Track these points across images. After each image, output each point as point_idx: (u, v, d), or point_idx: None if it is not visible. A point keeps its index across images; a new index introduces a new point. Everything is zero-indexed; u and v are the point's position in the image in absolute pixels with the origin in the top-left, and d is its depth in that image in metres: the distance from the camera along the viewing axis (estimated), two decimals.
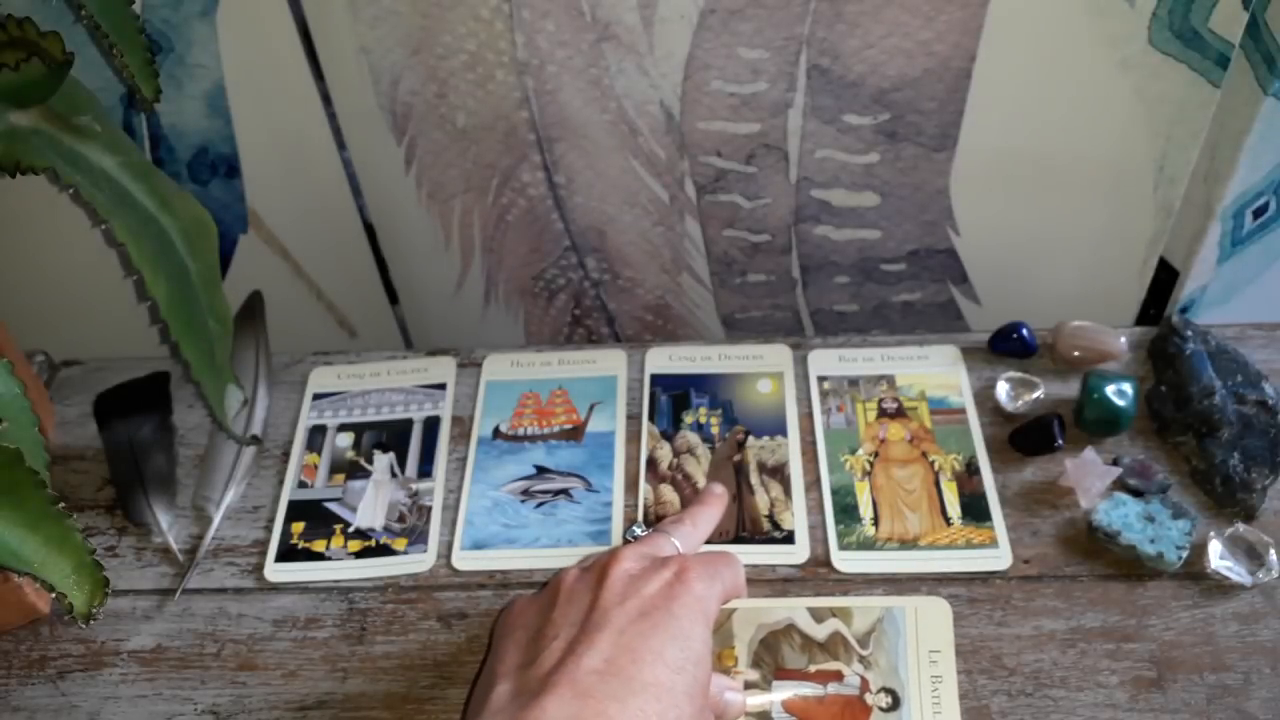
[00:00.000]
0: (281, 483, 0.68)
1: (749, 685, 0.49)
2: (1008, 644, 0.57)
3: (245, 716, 0.57)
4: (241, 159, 0.77)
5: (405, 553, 0.64)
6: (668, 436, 0.68)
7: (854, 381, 0.70)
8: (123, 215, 0.54)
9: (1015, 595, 0.59)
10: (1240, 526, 0.60)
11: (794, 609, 0.49)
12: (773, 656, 0.49)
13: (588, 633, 0.45)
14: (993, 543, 0.61)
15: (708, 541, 0.59)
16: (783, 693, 0.49)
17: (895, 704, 0.47)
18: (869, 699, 0.48)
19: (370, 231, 0.84)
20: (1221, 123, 0.70)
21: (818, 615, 0.49)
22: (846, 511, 0.64)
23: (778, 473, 0.66)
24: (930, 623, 0.48)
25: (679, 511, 0.60)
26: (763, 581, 0.61)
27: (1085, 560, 0.60)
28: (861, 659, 0.48)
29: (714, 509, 0.59)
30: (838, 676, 0.48)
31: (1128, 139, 0.72)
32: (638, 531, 0.54)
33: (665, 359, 0.73)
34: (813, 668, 0.49)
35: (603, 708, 0.42)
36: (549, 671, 0.44)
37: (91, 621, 0.49)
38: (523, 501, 0.66)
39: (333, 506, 0.67)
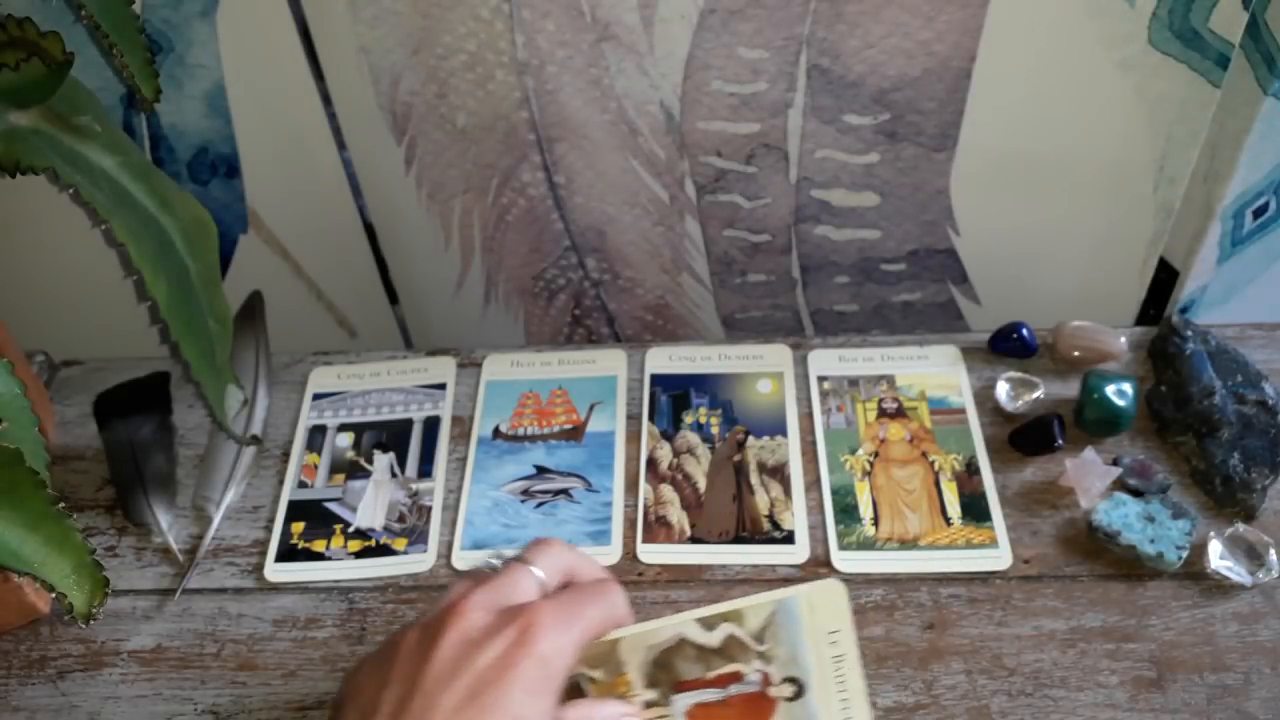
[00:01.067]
0: (281, 483, 0.68)
1: (649, 705, 0.48)
2: (1008, 644, 0.57)
3: (245, 716, 0.57)
4: (241, 159, 0.77)
5: (405, 553, 0.64)
6: (668, 436, 0.68)
7: (854, 381, 0.70)
8: (123, 215, 0.54)
9: (1015, 595, 0.59)
10: (1240, 526, 0.60)
11: (682, 624, 0.48)
12: (668, 673, 0.48)
13: None
14: (993, 543, 0.61)
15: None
16: (683, 703, 0.47)
17: (800, 691, 0.47)
18: (772, 692, 0.47)
19: (370, 231, 0.84)
20: (1221, 123, 0.70)
21: (708, 624, 0.48)
22: (846, 511, 0.64)
23: (778, 473, 0.66)
24: (825, 605, 0.48)
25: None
26: (762, 581, 0.61)
27: (1085, 560, 0.60)
28: (760, 655, 0.47)
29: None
30: (737, 677, 0.47)
31: (1128, 139, 0.72)
32: (495, 563, 0.49)
33: (665, 359, 0.73)
34: (711, 674, 0.48)
35: None
36: None
37: (91, 621, 0.49)
38: (523, 501, 0.66)
39: (333, 506, 0.67)
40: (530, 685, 0.42)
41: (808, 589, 0.48)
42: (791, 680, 0.47)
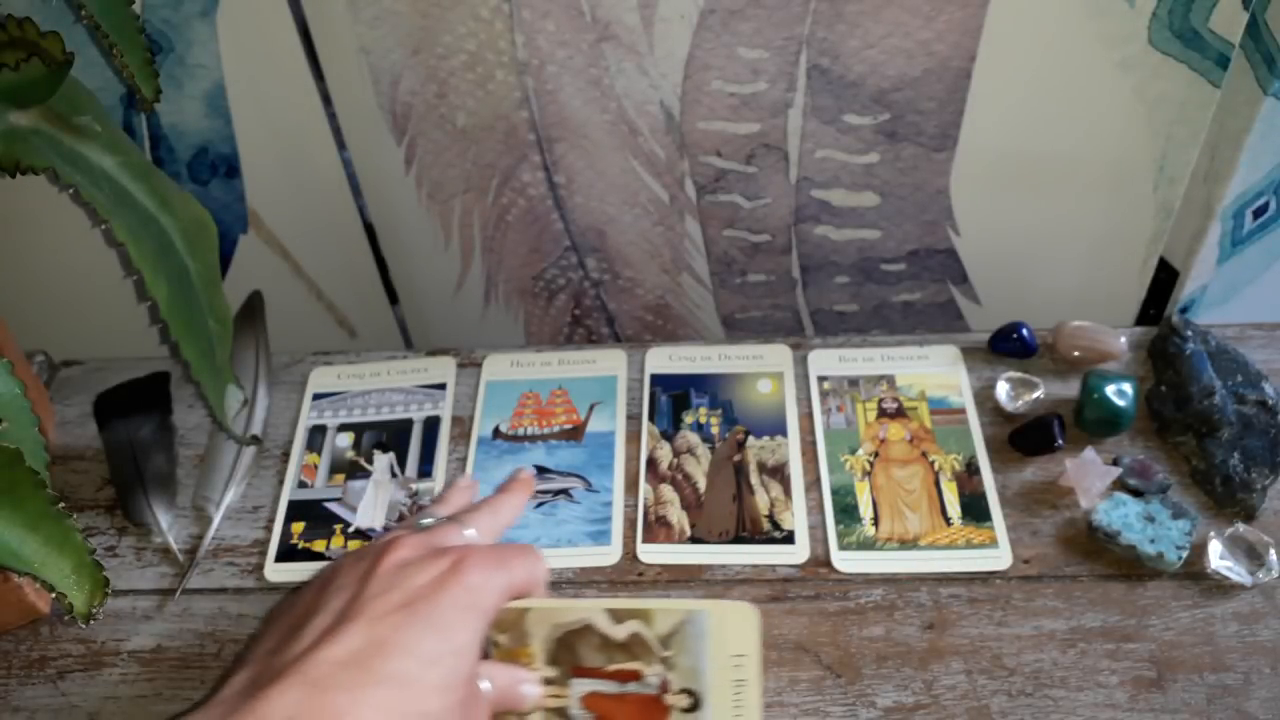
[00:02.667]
0: (281, 483, 0.68)
1: (546, 681, 0.48)
2: (1008, 644, 0.57)
3: None
4: (241, 159, 0.77)
5: None
6: (668, 436, 0.68)
7: (854, 381, 0.70)
8: (123, 215, 0.54)
9: (1015, 595, 0.59)
10: (1240, 526, 0.60)
11: (592, 610, 0.49)
12: (570, 655, 0.48)
13: (341, 623, 0.43)
14: (993, 543, 0.61)
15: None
16: (580, 688, 0.48)
17: (695, 705, 0.47)
18: (668, 699, 0.47)
19: (370, 231, 0.84)
20: (1221, 123, 0.70)
21: (617, 616, 0.48)
22: (846, 511, 0.64)
23: (778, 473, 0.66)
24: (735, 627, 0.48)
25: (482, 500, 0.56)
26: (763, 581, 0.61)
27: (1085, 560, 0.60)
28: (662, 660, 0.48)
29: (518, 496, 0.56)
30: (636, 676, 0.48)
31: (1128, 139, 0.72)
32: (427, 522, 0.51)
33: (665, 359, 0.73)
34: (611, 667, 0.48)
35: (330, 699, 0.40)
36: (290, 661, 0.42)
37: (91, 621, 0.49)
38: None
39: (333, 506, 0.67)
40: (460, 605, 0.44)
41: (720, 607, 0.48)
42: (689, 692, 0.47)
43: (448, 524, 0.51)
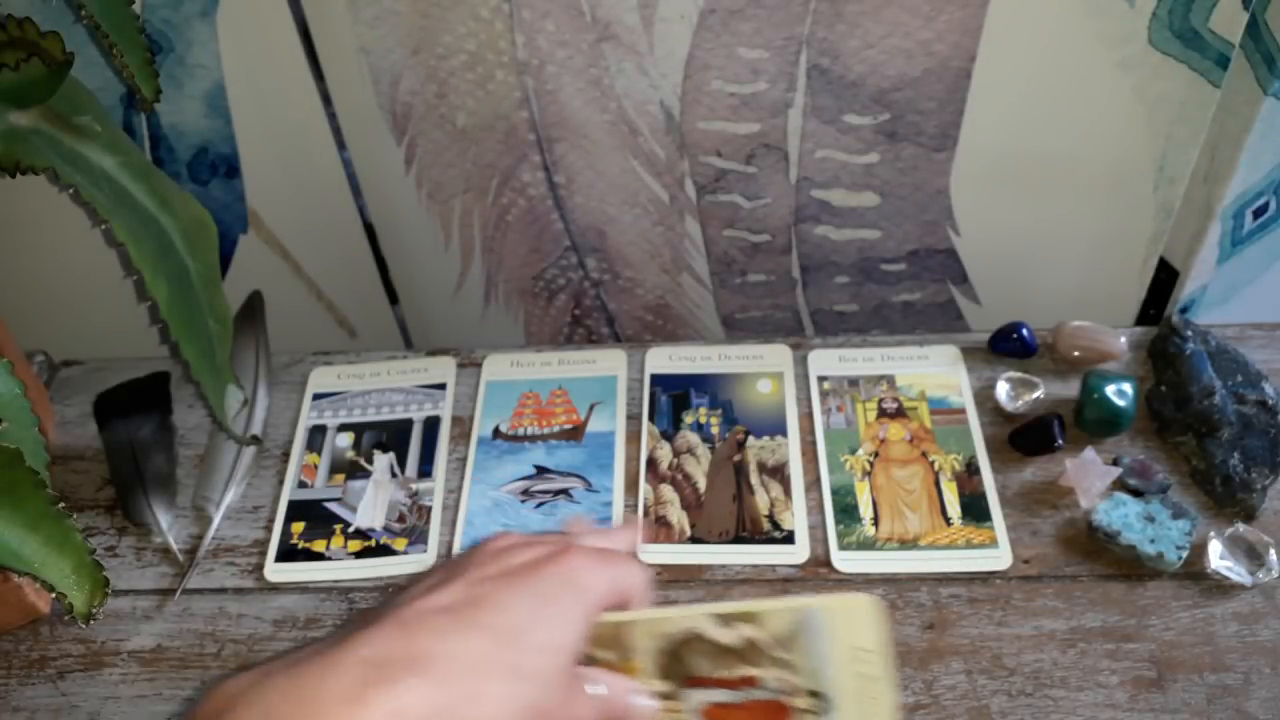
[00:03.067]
0: (281, 483, 0.68)
1: (660, 696, 0.47)
2: (1008, 644, 0.57)
3: None
4: (241, 159, 0.77)
5: (405, 553, 0.64)
6: (668, 436, 0.68)
7: (854, 381, 0.70)
8: (123, 215, 0.54)
9: (1015, 595, 0.59)
10: (1240, 526, 0.60)
11: (696, 617, 0.46)
12: (680, 666, 0.46)
13: (439, 585, 0.43)
14: (993, 543, 0.61)
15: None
16: (697, 699, 0.46)
17: (822, 707, 0.45)
18: (792, 702, 0.46)
19: (370, 231, 0.84)
20: (1221, 123, 0.70)
21: (724, 621, 0.46)
22: (846, 511, 0.64)
23: (778, 473, 0.66)
24: (855, 620, 0.45)
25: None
26: (762, 581, 0.61)
27: (1085, 560, 0.60)
28: (779, 662, 0.46)
29: (630, 530, 0.54)
30: (753, 681, 0.46)
31: (1128, 139, 0.72)
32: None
33: (665, 359, 0.73)
34: (726, 674, 0.46)
35: (419, 639, 0.39)
36: (381, 615, 0.41)
37: (91, 621, 0.49)
38: (523, 501, 0.66)
39: (333, 506, 0.67)
40: (562, 579, 0.43)
41: (834, 601, 0.46)
42: (814, 694, 0.46)
43: (557, 536, 0.50)
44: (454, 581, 0.42)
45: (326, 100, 0.75)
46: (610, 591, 0.45)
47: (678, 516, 0.64)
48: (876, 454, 0.66)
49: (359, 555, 0.64)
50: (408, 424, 0.71)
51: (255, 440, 0.69)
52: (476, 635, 0.40)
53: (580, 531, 0.52)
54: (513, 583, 0.42)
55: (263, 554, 0.64)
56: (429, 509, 0.66)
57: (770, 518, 0.64)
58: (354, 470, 0.68)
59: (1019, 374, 0.69)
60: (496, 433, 0.70)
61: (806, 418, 0.69)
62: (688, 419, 0.69)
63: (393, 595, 0.46)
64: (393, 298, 0.89)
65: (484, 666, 0.39)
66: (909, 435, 0.67)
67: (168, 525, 0.66)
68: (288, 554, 0.64)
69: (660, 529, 0.64)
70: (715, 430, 0.68)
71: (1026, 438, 0.66)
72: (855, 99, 0.71)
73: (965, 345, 0.72)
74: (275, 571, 0.63)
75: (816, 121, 0.73)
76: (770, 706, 0.46)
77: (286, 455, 0.70)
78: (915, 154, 0.74)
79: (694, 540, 0.63)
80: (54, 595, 0.48)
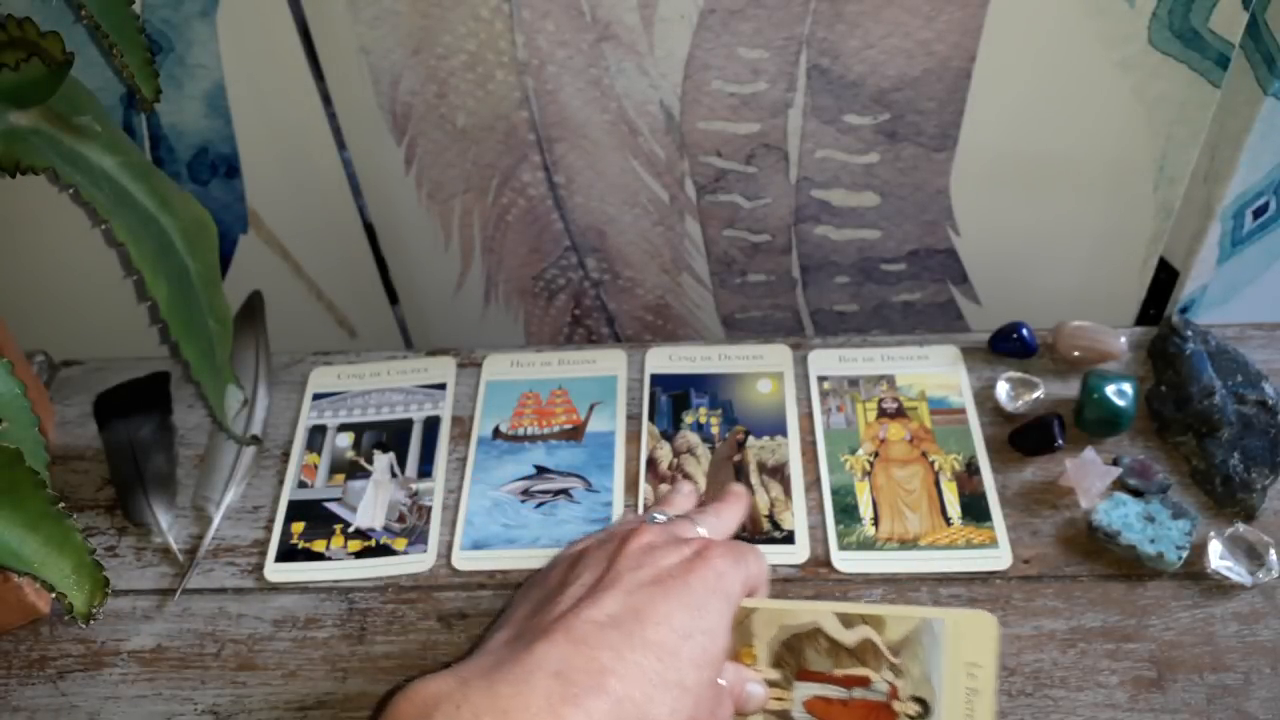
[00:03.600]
0: (281, 483, 0.68)
1: (769, 683, 0.48)
2: (1008, 644, 0.57)
3: (245, 716, 0.57)
4: (241, 159, 0.77)
5: (405, 553, 0.64)
6: (668, 436, 0.68)
7: (854, 381, 0.70)
8: (123, 215, 0.54)
9: (1015, 595, 0.59)
10: (1240, 526, 0.60)
11: (821, 614, 0.48)
12: (795, 658, 0.48)
13: (596, 591, 0.45)
14: (993, 543, 0.61)
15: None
16: (804, 692, 0.48)
17: (924, 714, 0.46)
18: (896, 706, 0.46)
19: (370, 231, 0.84)
20: (1221, 123, 0.70)
21: (847, 621, 0.47)
22: (846, 511, 0.64)
23: (778, 473, 0.66)
24: (973, 635, 0.46)
25: (707, 505, 0.57)
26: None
27: (1085, 560, 0.60)
28: (892, 666, 0.47)
29: (739, 505, 0.57)
30: (864, 682, 0.47)
31: (1128, 139, 0.72)
32: (659, 518, 0.53)
33: (665, 359, 0.73)
34: (838, 671, 0.47)
35: (596, 654, 0.42)
36: (551, 620, 0.43)
37: (91, 621, 0.49)
38: (523, 501, 0.66)
39: (333, 506, 0.67)
40: (709, 587, 0.46)
41: (958, 615, 0.47)
42: (918, 700, 0.46)
43: (681, 520, 0.52)
44: (611, 589, 0.45)
45: (326, 100, 0.75)
46: (745, 588, 0.48)
47: None
48: (876, 454, 0.66)
49: (359, 555, 0.64)
50: (408, 424, 0.71)
51: (255, 440, 0.69)
52: (643, 652, 0.42)
53: (696, 514, 0.53)
54: (669, 593, 0.45)
55: (263, 554, 0.64)
56: (429, 509, 0.66)
57: (770, 518, 0.64)
58: (354, 470, 0.68)
59: (1019, 374, 0.69)
60: (496, 433, 0.70)
61: (806, 418, 0.69)
62: (688, 419, 0.69)
63: (541, 590, 0.47)
64: (393, 298, 0.89)
65: (653, 683, 0.42)
66: (909, 435, 0.67)
67: (168, 525, 0.66)
68: (288, 554, 0.64)
69: None
70: (715, 430, 0.68)
71: (1026, 438, 0.66)
72: (855, 99, 0.71)
73: (965, 345, 0.72)
74: (275, 571, 0.63)
75: (816, 121, 0.73)
76: (874, 707, 0.47)
77: (286, 455, 0.70)
78: (915, 154, 0.74)
79: None
80: (54, 595, 0.48)
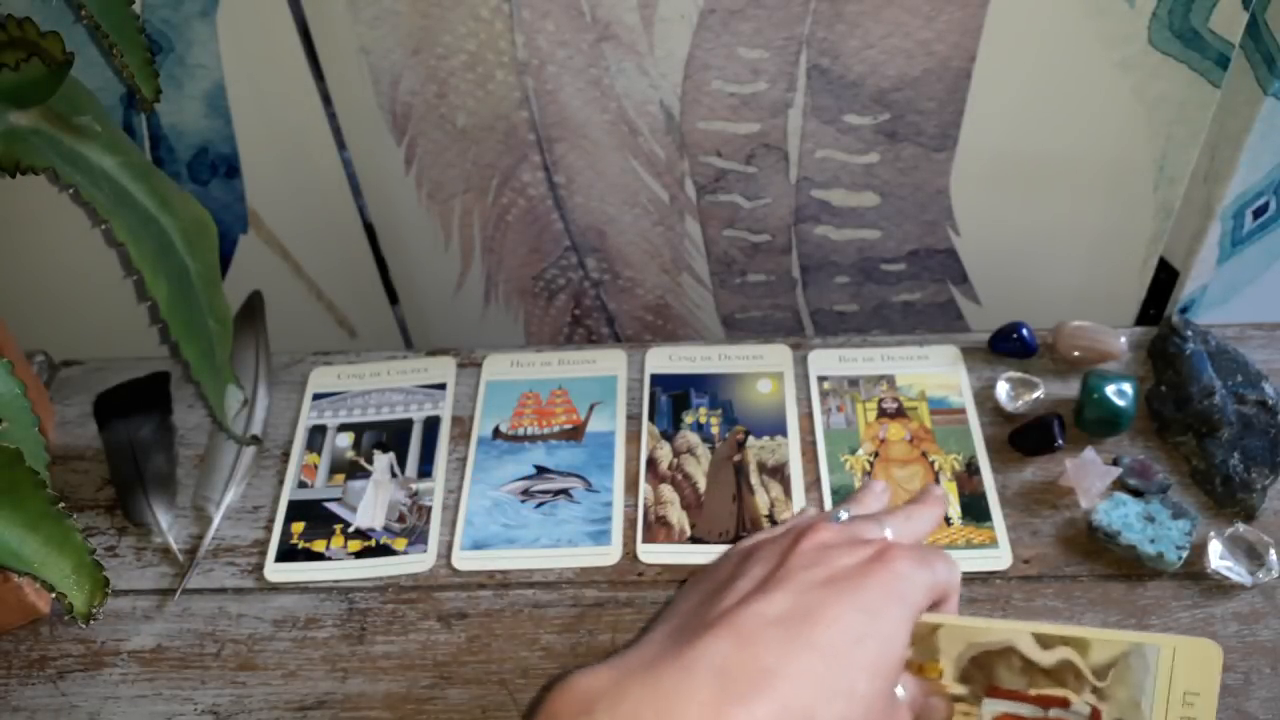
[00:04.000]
0: (281, 483, 0.68)
1: (955, 699, 0.45)
2: None
3: (245, 716, 0.57)
4: (241, 159, 0.77)
5: (405, 553, 0.64)
6: (668, 436, 0.68)
7: (854, 381, 0.70)
8: (123, 215, 0.54)
9: (1015, 595, 0.59)
10: (1240, 526, 0.59)
11: (1016, 632, 0.45)
12: (984, 674, 0.45)
13: (765, 587, 0.43)
14: (993, 543, 0.61)
15: None
16: (994, 709, 0.45)
17: None
18: None
19: (370, 231, 0.84)
20: (1221, 123, 0.70)
21: (1045, 642, 0.44)
22: None
23: (778, 473, 0.66)
24: (1192, 663, 0.43)
25: (898, 505, 0.54)
26: None
27: (1085, 560, 0.60)
28: (1095, 690, 0.44)
29: (935, 508, 0.53)
30: (1063, 703, 0.44)
31: (1128, 139, 0.72)
32: (842, 516, 0.50)
33: (665, 359, 0.73)
34: (1034, 691, 0.45)
35: (760, 652, 0.40)
36: (717, 615, 0.42)
37: (91, 621, 0.49)
38: (523, 501, 0.66)
39: (333, 506, 0.67)
40: (886, 590, 0.43)
41: (1177, 642, 0.44)
42: None
43: (865, 520, 0.50)
44: (781, 586, 0.43)
45: (326, 100, 0.75)
46: (929, 596, 0.45)
47: (678, 517, 0.64)
48: (876, 454, 0.66)
49: (359, 555, 0.64)
50: (408, 424, 0.71)
51: (255, 440, 0.69)
52: (810, 654, 0.40)
53: (884, 514, 0.51)
54: (841, 594, 0.42)
55: (263, 554, 0.64)
56: (429, 509, 0.66)
57: (770, 518, 0.64)
58: (354, 470, 0.68)
59: (1019, 374, 0.69)
60: (496, 433, 0.70)
61: (806, 418, 0.69)
62: (688, 419, 0.69)
63: (709, 583, 0.46)
64: (393, 298, 0.89)
65: (819, 687, 0.40)
66: (909, 435, 0.67)
67: (168, 525, 0.66)
68: (288, 554, 0.64)
69: (660, 529, 0.64)
70: (715, 430, 0.68)
71: (1026, 438, 0.66)
72: (855, 99, 0.71)
73: (965, 345, 0.72)
74: (275, 571, 0.63)
75: (816, 121, 0.73)
76: None
77: (286, 455, 0.70)
78: (915, 154, 0.74)
79: (694, 540, 0.63)
80: (54, 595, 0.48)
